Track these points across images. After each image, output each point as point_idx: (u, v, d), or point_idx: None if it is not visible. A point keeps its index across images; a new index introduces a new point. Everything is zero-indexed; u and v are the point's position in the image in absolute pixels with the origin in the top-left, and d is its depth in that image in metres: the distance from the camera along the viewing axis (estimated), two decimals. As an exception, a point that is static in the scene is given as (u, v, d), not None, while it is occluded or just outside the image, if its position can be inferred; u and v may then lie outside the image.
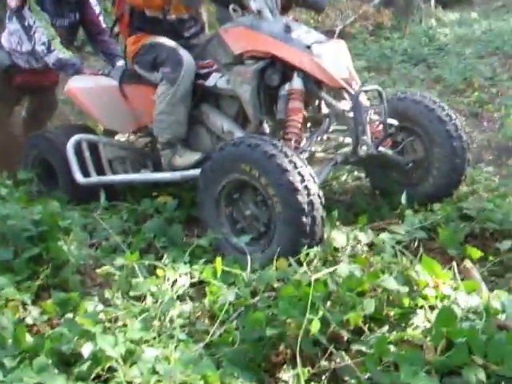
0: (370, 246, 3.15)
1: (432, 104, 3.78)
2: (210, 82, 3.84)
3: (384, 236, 3.15)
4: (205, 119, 3.89)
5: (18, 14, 4.67)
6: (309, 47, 3.48)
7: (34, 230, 3.12)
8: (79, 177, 4.07)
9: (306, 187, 2.96)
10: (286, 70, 3.52)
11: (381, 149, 3.59)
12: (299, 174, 2.97)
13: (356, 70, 6.62)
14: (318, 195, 3.01)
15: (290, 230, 2.97)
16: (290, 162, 2.99)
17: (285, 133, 3.46)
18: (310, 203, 2.96)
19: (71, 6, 4.89)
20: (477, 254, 3.00)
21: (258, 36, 3.58)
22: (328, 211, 3.30)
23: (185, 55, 3.81)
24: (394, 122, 3.69)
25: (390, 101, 3.81)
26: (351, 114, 3.44)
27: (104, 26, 5.05)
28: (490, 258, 3.13)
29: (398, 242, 3.14)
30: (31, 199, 3.95)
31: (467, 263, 2.82)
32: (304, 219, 2.94)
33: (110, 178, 4.14)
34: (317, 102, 3.64)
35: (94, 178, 4.11)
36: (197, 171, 3.46)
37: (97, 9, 5.00)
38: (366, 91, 3.59)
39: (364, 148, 3.45)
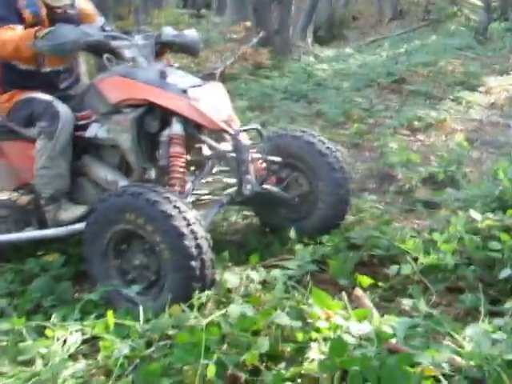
0: (263, 283, 3.16)
1: (312, 138, 3.87)
2: (89, 133, 3.77)
3: (276, 273, 3.18)
4: (88, 171, 3.82)
5: None
6: (185, 91, 3.49)
7: None
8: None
9: (192, 231, 2.95)
10: (165, 116, 3.51)
11: (265, 186, 3.65)
12: (184, 218, 2.97)
13: (239, 109, 6.73)
14: (206, 238, 3.01)
15: (179, 275, 2.95)
16: (174, 207, 2.98)
17: (169, 178, 3.44)
18: (198, 246, 2.95)
19: None
20: (367, 281, 3.08)
21: (133, 84, 3.56)
22: (219, 252, 3.30)
23: (61, 108, 3.74)
24: (277, 158, 3.76)
25: (272, 138, 3.89)
26: (233, 155, 3.47)
27: None
28: (380, 284, 3.21)
29: (290, 278, 3.17)
30: None
31: (357, 291, 2.88)
32: (193, 263, 2.92)
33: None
34: (198, 145, 3.64)
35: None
36: (82, 225, 3.37)
37: None
38: (245, 130, 3.64)
39: (248, 187, 3.48)
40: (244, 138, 3.59)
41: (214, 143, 3.55)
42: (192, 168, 3.72)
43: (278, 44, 11.61)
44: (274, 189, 3.78)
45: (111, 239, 3.19)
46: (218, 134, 3.57)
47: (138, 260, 3.17)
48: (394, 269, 3.29)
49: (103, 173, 3.75)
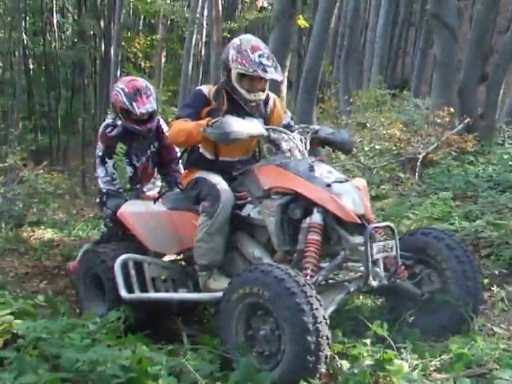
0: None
1: (442, 235, 4.01)
2: (244, 212, 4.21)
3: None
4: (239, 246, 4.22)
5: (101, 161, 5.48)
6: (329, 185, 3.79)
7: (123, 377, 3.11)
8: (124, 292, 4.36)
9: (311, 308, 3.15)
10: (308, 205, 3.83)
11: (394, 280, 3.78)
12: (305, 294, 3.17)
13: (442, 199, 6.33)
14: (323, 316, 3.18)
15: (297, 348, 3.15)
16: (298, 285, 3.20)
17: (303, 262, 3.71)
18: (315, 323, 3.13)
19: (151, 139, 5.53)
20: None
21: (284, 174, 3.96)
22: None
23: (223, 191, 4.16)
24: (409, 255, 3.93)
25: (412, 235, 4.13)
26: (363, 248, 3.64)
27: (176, 154, 5.58)
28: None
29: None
30: (119, 336, 3.93)
31: None
32: (309, 338, 3.11)
33: (149, 295, 4.41)
34: (334, 235, 3.86)
35: (136, 295, 4.38)
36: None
37: None
38: (378, 227, 3.82)
39: (376, 279, 3.66)
40: (377, 234, 3.79)
41: (348, 235, 3.77)
42: (327, 255, 3.98)
43: (482, 129, 11.25)
44: (405, 283, 3.89)
45: (242, 311, 3.45)
46: (355, 227, 3.79)
47: (263, 331, 3.38)
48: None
49: (251, 249, 4.13)
